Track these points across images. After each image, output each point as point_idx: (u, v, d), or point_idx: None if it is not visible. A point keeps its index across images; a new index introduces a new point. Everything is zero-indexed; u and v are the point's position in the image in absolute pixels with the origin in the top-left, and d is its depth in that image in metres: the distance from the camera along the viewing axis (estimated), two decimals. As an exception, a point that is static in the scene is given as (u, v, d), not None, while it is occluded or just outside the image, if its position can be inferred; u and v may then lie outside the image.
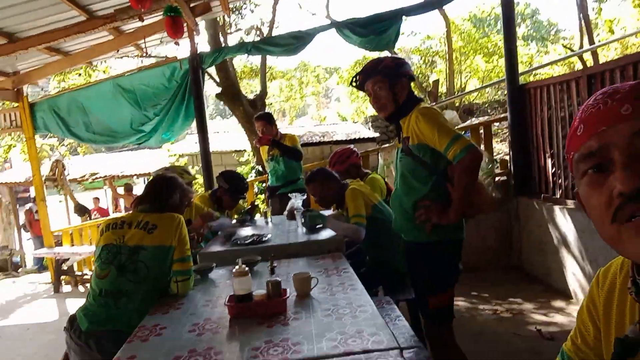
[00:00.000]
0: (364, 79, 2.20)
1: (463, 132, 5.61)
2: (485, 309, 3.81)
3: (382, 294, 3.02)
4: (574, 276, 3.81)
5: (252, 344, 1.48)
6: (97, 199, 10.92)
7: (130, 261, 2.04)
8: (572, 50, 10.14)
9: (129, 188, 10.23)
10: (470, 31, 18.83)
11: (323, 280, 2.07)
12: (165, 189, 2.31)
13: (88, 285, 6.37)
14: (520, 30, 20.98)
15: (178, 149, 11.47)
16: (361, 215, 2.83)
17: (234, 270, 1.81)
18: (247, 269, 1.82)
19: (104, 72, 9.54)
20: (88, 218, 9.60)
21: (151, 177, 2.46)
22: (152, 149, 11.61)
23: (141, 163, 13.05)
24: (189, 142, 13.39)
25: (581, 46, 9.74)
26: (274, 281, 1.79)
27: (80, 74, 9.70)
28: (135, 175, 13.07)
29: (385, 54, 6.34)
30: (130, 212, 2.26)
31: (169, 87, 5.36)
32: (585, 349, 0.88)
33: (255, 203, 4.10)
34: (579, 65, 11.36)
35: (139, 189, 12.34)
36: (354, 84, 2.28)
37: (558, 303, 3.81)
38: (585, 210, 0.70)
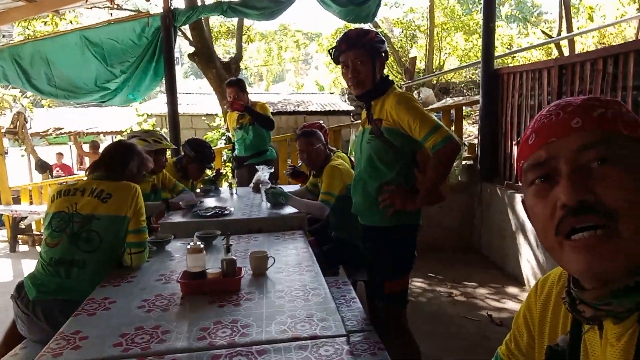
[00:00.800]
0: (347, 48, 2.07)
1: (434, 113, 5.63)
2: (440, 291, 3.91)
3: (343, 272, 3.04)
4: (529, 263, 3.94)
5: (201, 324, 1.47)
6: (60, 155, 10.54)
7: (83, 230, 1.98)
8: (550, 37, 10.21)
9: (95, 145, 9.93)
10: (454, 7, 18.70)
11: (280, 260, 2.06)
12: (122, 156, 2.23)
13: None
14: (504, 9, 20.92)
15: (147, 109, 11.13)
16: (332, 194, 2.84)
17: (188, 246, 1.77)
18: (202, 245, 1.79)
19: (71, 22, 9.07)
20: (50, 175, 9.31)
21: (112, 146, 2.38)
22: (119, 107, 11.23)
23: (108, 120, 12.68)
24: (160, 102, 13.04)
25: (559, 32, 9.79)
26: (229, 259, 1.77)
27: (46, 22, 9.20)
28: (103, 133, 12.71)
29: (366, 26, 6.23)
30: (84, 178, 2.17)
31: (139, 43, 5.13)
32: (518, 355, 0.90)
33: (221, 171, 4.04)
34: (555, 52, 11.46)
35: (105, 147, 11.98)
36: (333, 53, 2.16)
37: (511, 289, 3.94)
38: (530, 218, 0.71)
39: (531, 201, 0.68)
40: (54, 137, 12.72)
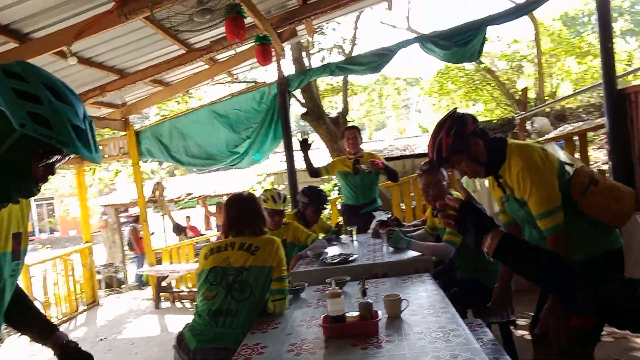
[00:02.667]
0: (440, 165, 2.22)
1: (555, 142, 5.33)
2: (587, 332, 3.56)
3: (471, 315, 2.94)
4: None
5: (348, 365, 1.55)
6: (188, 218, 11.67)
7: (236, 281, 2.21)
8: (680, 46, 9.21)
9: (220, 206, 10.84)
10: (561, 31, 17.76)
11: (413, 302, 2.09)
12: (258, 211, 2.49)
13: (185, 301, 6.82)
14: (618, 25, 19.40)
15: (264, 168, 11.97)
16: (457, 234, 2.80)
17: (327, 291, 1.89)
18: (340, 290, 1.90)
19: (199, 99, 10.27)
20: (184, 236, 10.26)
21: (239, 201, 2.52)
22: (239, 169, 12.22)
23: (231, 182, 13.77)
24: (274, 162, 13.91)
25: (691, 40, 8.82)
26: (366, 303, 1.85)
27: (178, 102, 10.52)
28: (226, 194, 13.82)
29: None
30: (230, 237, 2.43)
31: (259, 110, 5.69)
32: None
33: (340, 224, 4.19)
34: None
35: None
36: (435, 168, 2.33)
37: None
38: None
39: None
40: (185, 202, 14.09)
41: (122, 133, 6.96)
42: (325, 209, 4.06)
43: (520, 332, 3.47)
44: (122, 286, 10.15)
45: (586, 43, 15.12)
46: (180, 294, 7.08)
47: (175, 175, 14.39)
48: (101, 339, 5.38)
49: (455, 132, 2.05)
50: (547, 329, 2.02)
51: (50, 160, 1.10)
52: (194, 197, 13.11)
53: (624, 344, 3.30)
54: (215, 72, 6.03)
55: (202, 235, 10.36)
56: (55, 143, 1.01)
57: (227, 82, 7.38)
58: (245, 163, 6.22)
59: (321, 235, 4.14)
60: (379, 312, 1.88)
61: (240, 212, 2.46)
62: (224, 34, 4.25)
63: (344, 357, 1.62)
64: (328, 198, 4.17)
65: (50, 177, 1.14)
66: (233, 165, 6.37)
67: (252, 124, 5.74)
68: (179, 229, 10.46)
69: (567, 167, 2.10)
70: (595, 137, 8.71)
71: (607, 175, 4.80)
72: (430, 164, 3.06)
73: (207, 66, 5.91)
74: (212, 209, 11.18)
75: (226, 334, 2.12)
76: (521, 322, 3.72)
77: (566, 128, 10.51)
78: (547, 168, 1.99)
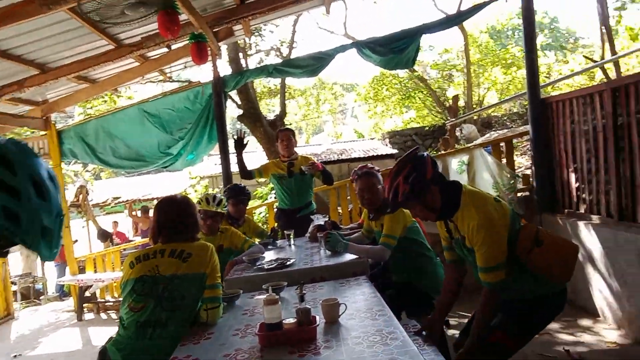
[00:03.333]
0: (395, 209, 2.25)
1: (484, 147, 5.58)
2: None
3: (405, 317, 2.98)
4: (601, 293, 3.72)
5: (285, 375, 1.48)
6: (115, 223, 11.07)
7: (167, 291, 2.06)
8: (593, 61, 10.02)
9: (145, 210, 10.35)
10: (488, 43, 18.81)
11: (351, 306, 2.06)
12: (192, 217, 2.33)
13: (110, 312, 6.44)
14: (538, 40, 20.85)
15: (198, 172, 11.63)
16: (394, 237, 2.83)
17: (263, 298, 1.82)
18: (277, 296, 1.83)
19: (128, 98, 9.79)
20: (110, 243, 9.74)
21: (170, 204, 2.35)
22: (171, 172, 11.79)
23: (162, 186, 13.28)
24: (208, 164, 13.58)
25: (602, 56, 9.60)
26: (304, 309, 1.79)
27: (105, 101, 9.97)
28: (157, 198, 13.30)
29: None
30: (159, 243, 2.25)
31: (193, 110, 5.49)
32: None
33: (276, 229, 4.10)
34: (599, 76, 11.18)
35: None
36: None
37: (585, 322, 3.72)
38: None
39: None
40: (112, 207, 13.40)
41: (43, 132, 6.46)
42: (244, 202, 3.93)
43: (452, 332, 3.55)
44: (40, 297, 9.43)
45: (510, 55, 16.10)
46: (106, 304, 6.69)
47: (102, 179, 13.64)
48: (15, 356, 4.94)
49: (412, 180, 2.04)
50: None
51: (4, 249, 1.03)
52: (122, 202, 12.48)
53: (546, 338, 3.48)
54: (147, 69, 5.74)
55: (130, 241, 9.85)
56: (17, 240, 0.97)
57: (159, 81, 7.08)
58: (179, 165, 5.97)
59: (257, 241, 4.04)
60: (317, 318, 1.83)
61: (171, 216, 2.28)
62: (157, 30, 4.06)
63: (280, 366, 1.56)
64: (250, 192, 4.08)
65: None
66: (165, 167, 6.09)
67: (186, 124, 5.52)
68: (104, 236, 9.90)
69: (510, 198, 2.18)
70: (519, 144, 9.24)
71: (530, 180, 5.08)
72: (364, 169, 3.09)
73: (137, 63, 5.61)
74: (138, 213, 10.69)
75: (155, 346, 1.98)
76: (453, 321, 3.84)
77: (492, 135, 11.09)
78: (500, 223, 2.03)
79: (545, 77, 15.59)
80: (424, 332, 2.38)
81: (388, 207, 2.25)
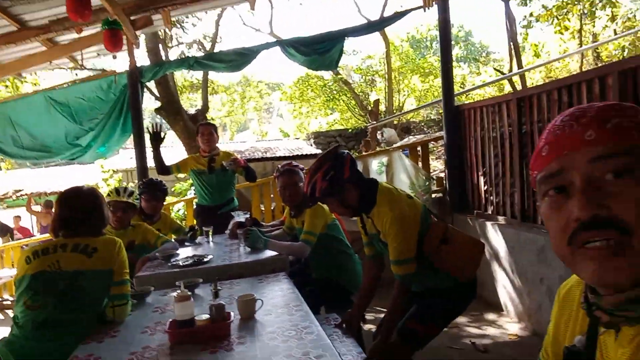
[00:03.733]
0: (313, 203, 2.32)
1: (402, 150, 5.80)
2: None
3: (323, 311, 3.01)
4: (505, 289, 4.00)
5: (195, 372, 1.43)
6: (18, 218, 10.12)
7: (70, 288, 1.90)
8: (502, 73, 10.84)
9: (48, 205, 9.57)
10: (408, 51, 19.63)
11: (268, 302, 2.04)
12: (99, 210, 2.17)
13: (9, 311, 5.90)
14: (454, 51, 22.13)
15: (112, 165, 10.99)
16: (314, 234, 2.84)
17: (175, 294, 1.74)
18: (189, 293, 1.76)
19: (33, 84, 9.01)
20: (10, 239, 8.93)
21: (75, 196, 2.17)
22: (82, 164, 11.03)
23: (72, 179, 12.40)
24: (123, 158, 12.90)
25: (510, 69, 10.42)
26: (217, 305, 1.74)
27: (6, 86, 9.09)
28: (65, 191, 12.41)
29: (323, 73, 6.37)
30: (60, 236, 2.08)
31: (106, 100, 5.15)
32: (548, 357, 0.92)
33: (195, 227, 3.96)
34: (508, 87, 12.10)
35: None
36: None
37: (490, 316, 3.98)
38: (546, 227, 0.71)
39: (545, 212, 0.69)
40: (13, 200, 12.30)
41: None
42: (159, 198, 3.75)
43: (368, 326, 3.65)
44: None
45: (429, 64, 16.93)
46: (4, 303, 6.12)
47: (1, 169, 12.46)
48: None
49: (331, 178, 2.09)
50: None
51: None
52: (25, 195, 11.48)
53: (454, 331, 3.68)
54: (55, 55, 5.30)
55: (32, 237, 9.06)
56: None
57: (70, 68, 6.58)
58: (88, 157, 5.57)
59: (173, 237, 3.88)
60: (232, 314, 1.79)
61: (76, 208, 2.10)
62: (66, 14, 3.77)
63: (191, 364, 1.50)
64: (167, 188, 3.93)
65: None
66: (74, 159, 5.66)
67: (97, 114, 5.15)
68: (3, 230, 9.06)
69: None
70: (435, 148, 9.73)
71: (444, 182, 5.35)
72: (286, 167, 3.08)
73: (44, 48, 5.17)
74: (37, 208, 9.87)
75: (54, 348, 1.82)
76: (370, 316, 3.94)
77: (410, 139, 11.57)
78: (411, 219, 2.11)
79: (460, 86, 16.56)
80: (344, 325, 2.42)
81: (307, 203, 2.28)
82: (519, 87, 10.08)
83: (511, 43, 10.02)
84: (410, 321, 2.17)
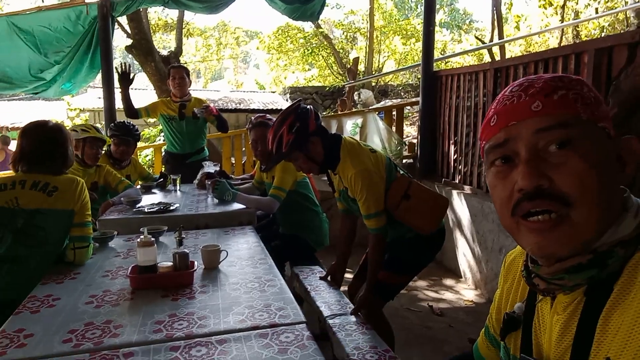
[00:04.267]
0: (278, 160, 2.23)
1: (377, 112, 5.79)
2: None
3: (288, 269, 3.05)
4: (464, 257, 4.15)
5: (155, 318, 1.43)
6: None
7: (28, 225, 1.85)
8: (482, 42, 10.79)
9: (5, 141, 9.15)
10: (392, 11, 19.26)
11: (232, 254, 2.05)
12: (62, 146, 2.08)
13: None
14: (438, 17, 21.82)
15: (78, 103, 10.56)
16: (283, 190, 2.84)
17: (138, 239, 1.72)
18: (152, 239, 1.74)
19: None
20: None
21: (38, 130, 2.08)
22: (47, 100, 10.54)
23: (37, 115, 11.89)
24: (92, 96, 12.42)
25: (491, 39, 10.38)
26: (181, 253, 1.74)
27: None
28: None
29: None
30: (20, 171, 2.01)
31: (74, 32, 4.85)
32: (492, 322, 0.96)
33: (165, 173, 3.89)
34: (487, 58, 12.11)
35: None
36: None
37: (449, 282, 4.13)
38: (491, 196, 0.73)
39: (491, 181, 0.71)
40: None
41: None
42: (130, 143, 3.64)
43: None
44: None
45: (411, 26, 16.67)
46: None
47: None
48: None
49: (296, 130, 2.06)
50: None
51: None
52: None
53: (413, 294, 3.82)
54: (20, -23, 4.96)
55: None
56: None
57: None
58: (52, 92, 5.31)
59: (140, 183, 3.81)
60: (195, 263, 1.79)
61: (38, 143, 2.02)
62: None
63: (151, 308, 1.50)
64: (139, 133, 3.81)
65: None
66: (36, 93, 5.38)
67: (64, 47, 4.87)
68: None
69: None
70: (410, 114, 9.74)
71: (415, 148, 5.39)
72: (259, 119, 3.02)
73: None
74: None
75: (11, 285, 1.79)
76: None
77: (387, 102, 11.54)
78: (376, 172, 2.12)
79: (440, 52, 16.48)
80: (328, 278, 2.47)
81: (272, 160, 2.25)
82: (498, 58, 10.10)
83: (494, 12, 9.95)
84: (382, 273, 2.19)
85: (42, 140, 2.03)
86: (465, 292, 3.89)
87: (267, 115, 3.19)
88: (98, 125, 3.88)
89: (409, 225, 2.20)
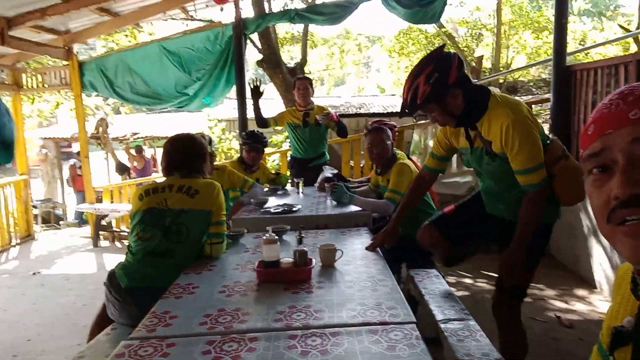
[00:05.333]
0: (412, 111, 2.00)
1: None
2: (508, 291, 3.83)
3: (404, 271, 3.07)
4: (601, 266, 3.77)
5: (277, 308, 1.59)
6: (134, 157, 11.17)
7: (174, 223, 2.17)
8: (627, 30, 9.55)
9: (139, 150, 10.45)
10: (523, 3, 18.02)
11: (348, 254, 2.15)
12: (200, 155, 2.42)
13: (125, 241, 6.69)
14: (577, 4, 19.84)
15: (217, 114, 11.67)
16: (399, 192, 2.88)
17: (264, 237, 1.91)
18: (276, 237, 1.92)
19: (149, 34, 9.73)
20: (128, 177, 9.95)
21: (176, 142, 2.42)
22: (190, 112, 11.80)
23: (181, 125, 13.38)
24: (227, 107, 13.58)
25: (639, 26, 9.16)
26: (301, 250, 1.88)
27: (126, 35, 9.92)
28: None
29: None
30: (167, 179, 2.35)
31: (213, 51, 5.46)
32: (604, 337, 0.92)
33: (279, 173, 4.23)
34: (634, 47, 10.74)
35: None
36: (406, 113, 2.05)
37: (581, 292, 3.79)
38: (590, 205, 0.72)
39: (588, 190, 0.70)
40: (132, 142, 13.60)
41: (65, 63, 6.51)
42: (259, 150, 3.96)
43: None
44: (60, 222, 9.81)
45: (545, 18, 15.43)
46: (120, 233, 6.94)
47: (121, 113, 13.79)
48: (34, 273, 5.22)
49: (435, 81, 1.87)
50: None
51: None
52: (140, 137, 12.66)
53: (539, 303, 3.58)
54: (168, 5, 5.69)
55: (148, 177, 10.05)
56: None
57: (181, 19, 7.01)
58: (194, 106, 6.01)
59: (267, 186, 4.13)
60: (313, 261, 1.92)
61: (177, 153, 2.38)
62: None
63: (273, 300, 1.66)
64: (267, 141, 4.14)
65: None
66: (181, 107, 6.14)
67: (204, 65, 5.50)
68: (122, 169, 10.11)
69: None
70: (542, 112, 9.05)
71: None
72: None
73: (159, -1, 5.56)
74: (132, 152, 10.67)
75: (159, 274, 2.10)
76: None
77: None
78: (534, 125, 1.93)
79: (580, 43, 15.01)
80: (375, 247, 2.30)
81: (405, 111, 2.03)
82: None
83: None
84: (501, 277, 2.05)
85: (180, 150, 2.39)
86: (600, 304, 3.54)
87: (384, 119, 3.26)
88: (233, 133, 4.28)
89: (559, 189, 1.97)
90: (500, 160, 1.97)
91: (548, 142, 2.00)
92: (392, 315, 1.50)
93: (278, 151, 7.13)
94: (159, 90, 5.82)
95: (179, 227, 2.17)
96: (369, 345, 1.31)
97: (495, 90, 2.03)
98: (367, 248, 2.26)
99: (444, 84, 1.88)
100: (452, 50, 2.00)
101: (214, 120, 10.85)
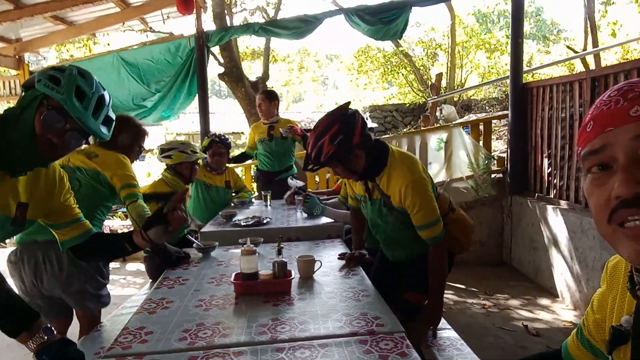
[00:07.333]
0: (314, 168, 2.03)
1: (463, 127, 5.66)
2: (473, 302, 3.89)
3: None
4: (562, 276, 3.89)
5: (259, 321, 1.52)
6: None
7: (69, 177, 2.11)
8: (575, 52, 10.17)
9: None
10: (474, 26, 18.80)
11: (325, 265, 2.11)
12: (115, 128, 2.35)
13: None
14: (524, 28, 20.91)
15: (174, 128, 11.42)
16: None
17: (242, 248, 1.84)
18: (255, 248, 1.86)
19: (106, 45, 9.43)
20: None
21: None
22: (148, 126, 11.53)
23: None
24: (184, 122, 13.35)
25: (585, 47, 9.75)
26: (280, 261, 1.83)
27: (81, 46, 9.58)
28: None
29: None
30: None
31: (173, 63, 5.33)
32: (590, 328, 0.92)
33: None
34: (579, 67, 11.39)
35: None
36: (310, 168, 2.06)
37: (544, 301, 3.90)
38: (589, 204, 0.71)
39: (588, 189, 0.69)
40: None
41: (14, 72, 6.20)
42: (225, 152, 3.90)
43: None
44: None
45: (495, 39, 16.16)
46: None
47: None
48: None
49: (339, 142, 1.90)
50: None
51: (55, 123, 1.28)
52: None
53: (506, 313, 3.65)
54: (127, 16, 5.52)
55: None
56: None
57: (139, 30, 6.84)
58: (152, 119, 5.82)
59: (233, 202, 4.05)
60: (292, 272, 1.87)
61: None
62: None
63: (254, 313, 1.59)
64: (230, 142, 4.11)
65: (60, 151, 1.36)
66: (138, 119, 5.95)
67: (164, 77, 5.35)
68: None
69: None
70: (496, 128, 9.39)
71: (505, 162, 5.20)
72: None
73: (118, 9, 5.39)
74: None
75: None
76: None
77: (470, 117, 11.21)
78: (428, 180, 2.03)
79: (527, 64, 15.75)
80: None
81: (308, 167, 2.05)
82: (592, 67, 9.47)
83: (587, 19, 9.39)
84: (410, 294, 2.12)
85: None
86: (563, 313, 3.65)
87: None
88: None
89: (448, 242, 2.10)
90: (397, 213, 2.06)
91: (437, 195, 2.11)
92: (379, 324, 1.47)
93: (241, 165, 7.02)
94: (115, 102, 5.58)
95: (71, 181, 2.08)
96: (360, 356, 1.27)
97: (392, 146, 2.12)
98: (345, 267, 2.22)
99: (348, 145, 1.92)
100: (354, 109, 2.02)
101: (172, 134, 10.60)
